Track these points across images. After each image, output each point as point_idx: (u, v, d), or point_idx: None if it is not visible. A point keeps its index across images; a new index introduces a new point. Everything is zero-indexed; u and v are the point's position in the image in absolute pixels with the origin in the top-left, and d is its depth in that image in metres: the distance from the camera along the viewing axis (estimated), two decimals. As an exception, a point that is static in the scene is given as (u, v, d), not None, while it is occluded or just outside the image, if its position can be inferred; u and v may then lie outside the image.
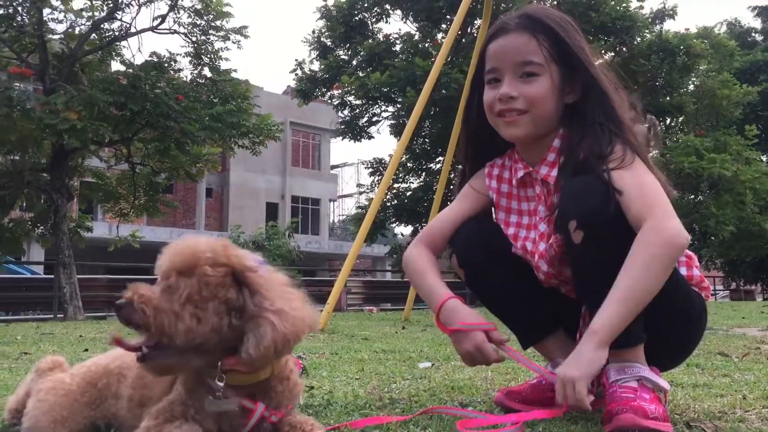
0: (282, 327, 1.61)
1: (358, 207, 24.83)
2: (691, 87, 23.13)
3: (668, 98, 21.51)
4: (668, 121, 24.37)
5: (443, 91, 18.85)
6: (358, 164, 62.02)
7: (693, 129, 25.30)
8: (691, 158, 21.95)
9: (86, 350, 5.12)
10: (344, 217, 53.79)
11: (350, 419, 2.19)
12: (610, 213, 1.91)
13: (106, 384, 1.98)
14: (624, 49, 20.73)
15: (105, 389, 1.98)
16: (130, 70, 13.86)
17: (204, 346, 1.61)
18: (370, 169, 23.28)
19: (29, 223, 15.61)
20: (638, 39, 20.67)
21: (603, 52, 19.74)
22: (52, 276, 15.29)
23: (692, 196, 27.30)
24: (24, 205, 16.85)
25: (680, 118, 24.49)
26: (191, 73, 15.10)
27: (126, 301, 1.57)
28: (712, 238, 26.12)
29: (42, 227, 15.54)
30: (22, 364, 4.26)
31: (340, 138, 23.76)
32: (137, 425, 1.73)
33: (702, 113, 24.78)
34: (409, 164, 23.04)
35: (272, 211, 39.17)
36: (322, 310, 7.13)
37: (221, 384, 1.68)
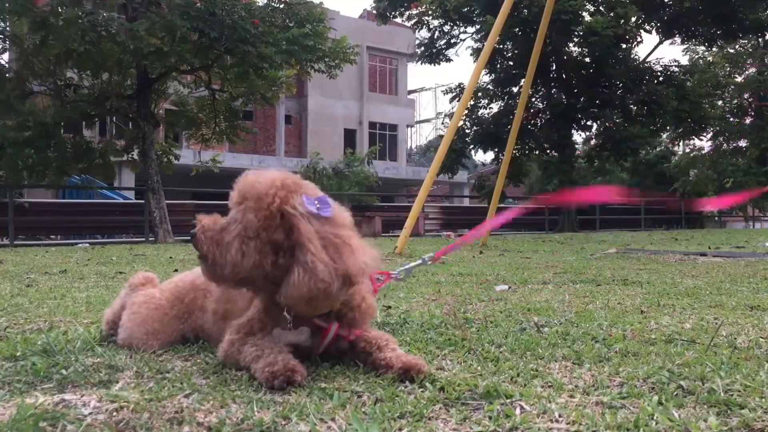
0: (301, 282, 1.60)
1: (440, 135, 24.68)
2: None
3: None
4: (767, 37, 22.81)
5: (524, 11, 18.16)
6: (436, 89, 61.11)
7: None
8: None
9: (176, 270, 5.38)
10: (422, 146, 53.45)
11: (426, 337, 2.24)
12: None
13: (193, 299, 2.09)
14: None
15: (192, 303, 2.09)
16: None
17: (249, 279, 1.69)
18: (451, 94, 22.87)
19: (119, 147, 16.22)
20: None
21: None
22: (143, 201, 15.98)
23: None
24: (113, 131, 17.55)
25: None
26: (267, -2, 15.04)
27: (195, 232, 1.72)
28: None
29: (131, 153, 16.15)
30: (117, 282, 4.52)
31: (419, 62, 23.39)
32: (221, 337, 1.83)
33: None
34: (489, 87, 22.52)
35: (350, 137, 39.28)
36: (399, 236, 7.21)
37: (289, 317, 1.75)
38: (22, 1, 12.06)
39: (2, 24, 13.71)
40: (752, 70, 25.91)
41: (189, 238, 1.76)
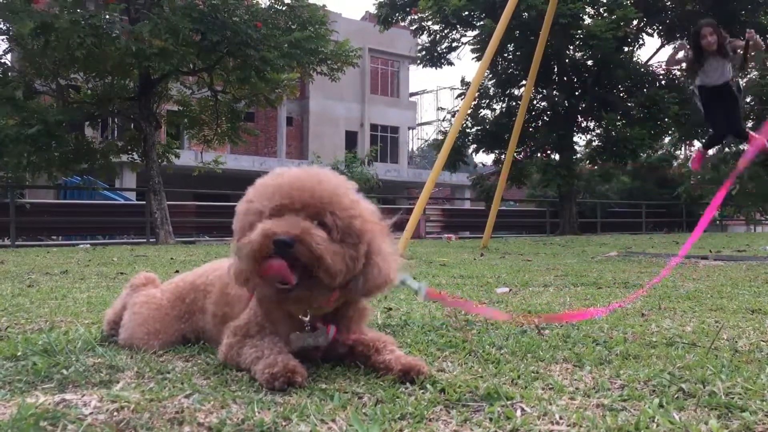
0: (385, 271, 1.72)
1: (440, 132, 24.56)
2: None
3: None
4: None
5: (524, 14, 18.16)
6: (437, 91, 61.14)
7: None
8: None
9: (177, 271, 5.37)
10: (423, 142, 53.45)
11: (427, 339, 2.24)
12: None
13: (194, 299, 2.08)
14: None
15: (192, 304, 2.09)
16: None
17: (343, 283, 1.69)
18: (457, 91, 22.77)
19: (119, 147, 16.18)
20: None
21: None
22: (144, 202, 15.98)
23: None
24: (115, 132, 17.52)
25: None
26: (269, 0, 15.02)
27: (294, 239, 1.54)
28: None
29: (132, 154, 16.12)
30: (118, 283, 4.52)
31: (420, 65, 23.37)
32: (221, 339, 1.83)
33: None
34: (491, 88, 22.47)
35: (351, 139, 39.26)
36: (400, 238, 7.20)
37: (307, 318, 1.75)
38: (19, 5, 12.08)
39: (5, 25, 13.71)
40: (754, 74, 25.90)
41: (284, 245, 1.53)
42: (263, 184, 1.69)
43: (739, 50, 7.28)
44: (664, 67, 8.38)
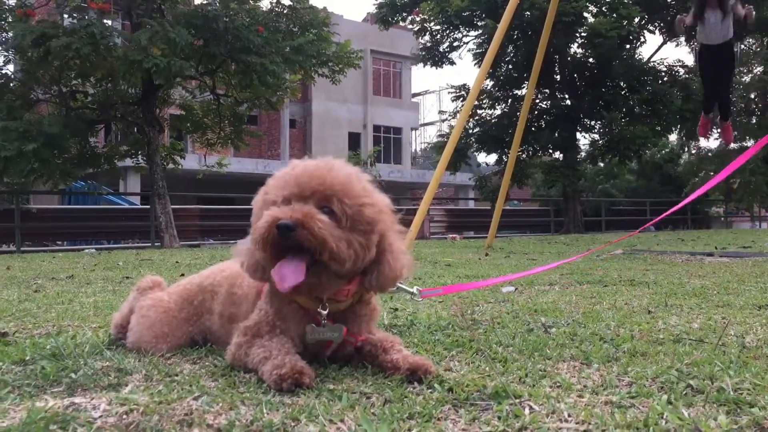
0: (395, 267, 1.73)
1: (440, 135, 24.53)
2: None
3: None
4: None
5: (526, 14, 18.13)
6: (440, 92, 61.06)
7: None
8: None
9: (182, 275, 5.38)
10: (426, 145, 53.48)
11: (434, 338, 2.24)
12: None
13: (201, 301, 2.09)
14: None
15: (200, 306, 2.09)
16: (209, 5, 13.84)
17: (354, 272, 1.70)
18: (454, 95, 22.76)
19: (122, 149, 16.16)
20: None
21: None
22: (148, 206, 16.01)
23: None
24: (119, 136, 17.53)
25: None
26: (270, 3, 15.02)
27: (296, 223, 1.55)
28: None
29: (136, 157, 16.11)
30: (124, 287, 4.53)
31: (421, 65, 23.36)
32: (228, 340, 1.83)
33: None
34: (492, 91, 22.44)
35: (354, 140, 39.27)
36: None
37: (325, 312, 1.75)
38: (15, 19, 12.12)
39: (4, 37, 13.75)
40: (759, 69, 25.83)
41: (286, 230, 1.54)
42: (278, 176, 1.71)
43: (739, 14, 7.82)
44: (676, 28, 9.01)
